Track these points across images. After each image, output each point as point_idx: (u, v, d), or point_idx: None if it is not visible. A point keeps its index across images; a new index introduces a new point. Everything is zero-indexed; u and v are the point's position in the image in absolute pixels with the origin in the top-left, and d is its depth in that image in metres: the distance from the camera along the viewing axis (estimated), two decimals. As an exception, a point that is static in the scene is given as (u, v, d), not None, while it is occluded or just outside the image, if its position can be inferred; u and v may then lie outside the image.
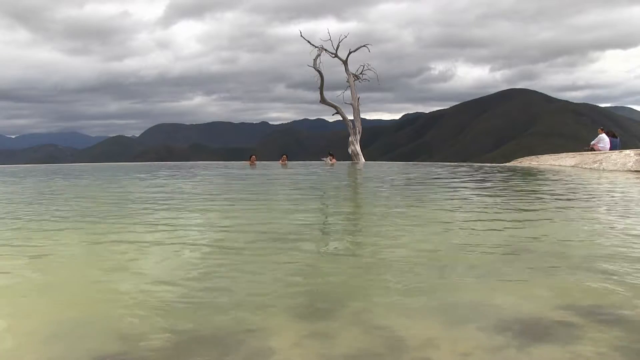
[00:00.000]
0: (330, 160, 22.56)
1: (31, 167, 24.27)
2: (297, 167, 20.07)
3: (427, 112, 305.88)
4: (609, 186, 10.73)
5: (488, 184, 11.62)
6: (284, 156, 22.39)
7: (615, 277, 3.44)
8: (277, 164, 22.16)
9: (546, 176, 13.29)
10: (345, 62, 27.30)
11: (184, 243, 4.77)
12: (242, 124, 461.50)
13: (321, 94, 27.18)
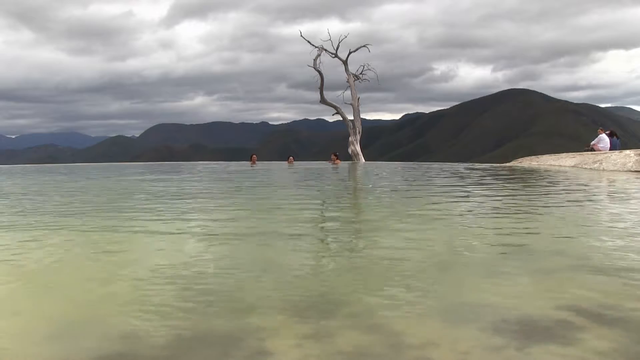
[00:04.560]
0: (335, 161, 22.85)
1: (18, 167, 24.26)
2: (302, 167, 21.38)
3: (427, 112, 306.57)
4: (610, 186, 10.74)
5: (487, 184, 11.62)
6: (291, 157, 25.24)
7: (615, 277, 3.43)
8: (283, 164, 24.96)
9: (546, 176, 13.29)
10: (345, 62, 27.34)
11: (183, 243, 4.77)
12: (242, 124, 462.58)
13: (321, 94, 27.25)
